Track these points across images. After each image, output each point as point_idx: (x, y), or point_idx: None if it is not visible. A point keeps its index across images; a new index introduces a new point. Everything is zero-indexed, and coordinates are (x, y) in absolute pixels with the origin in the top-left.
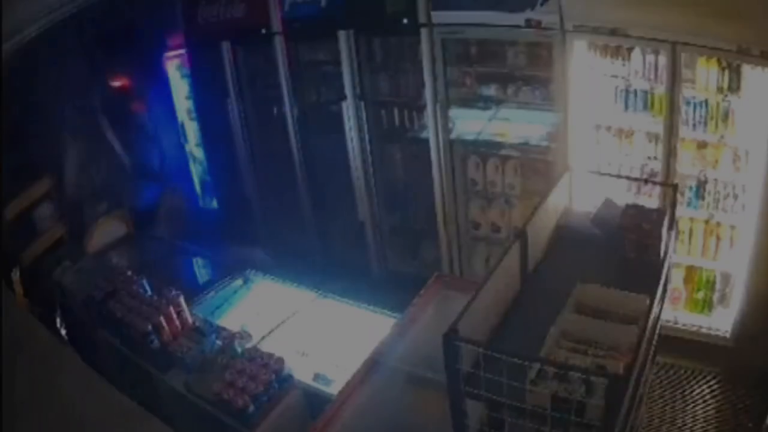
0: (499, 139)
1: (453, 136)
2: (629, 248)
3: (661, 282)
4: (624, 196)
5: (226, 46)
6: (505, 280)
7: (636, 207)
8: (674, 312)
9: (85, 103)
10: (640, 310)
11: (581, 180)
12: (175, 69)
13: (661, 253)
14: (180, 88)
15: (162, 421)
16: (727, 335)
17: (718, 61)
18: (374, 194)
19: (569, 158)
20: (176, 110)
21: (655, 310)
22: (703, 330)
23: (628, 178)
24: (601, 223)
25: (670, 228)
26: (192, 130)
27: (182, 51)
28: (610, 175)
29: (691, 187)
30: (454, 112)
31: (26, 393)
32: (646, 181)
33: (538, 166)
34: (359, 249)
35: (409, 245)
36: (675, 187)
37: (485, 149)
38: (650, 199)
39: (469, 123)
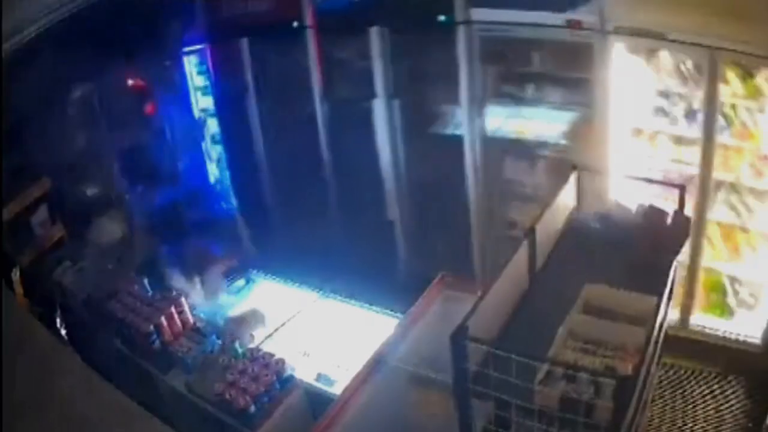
0: (533, 138)
1: (488, 134)
2: (635, 248)
3: (668, 283)
4: (650, 198)
5: (250, 40)
6: (514, 280)
7: (644, 207)
8: (697, 315)
9: None
10: (647, 310)
11: (614, 183)
12: (192, 65)
13: (667, 254)
14: (198, 85)
15: (162, 422)
16: (756, 341)
17: (741, 65)
18: (404, 193)
19: (605, 159)
20: (192, 108)
21: (662, 310)
22: (727, 335)
23: (637, 178)
24: (610, 224)
25: (676, 228)
26: (210, 127)
27: (201, 46)
28: (620, 176)
29: (718, 191)
30: (489, 111)
31: (26, 393)
32: (653, 182)
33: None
34: (387, 249)
35: (439, 245)
36: (683, 188)
37: (519, 148)
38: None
39: (503, 122)
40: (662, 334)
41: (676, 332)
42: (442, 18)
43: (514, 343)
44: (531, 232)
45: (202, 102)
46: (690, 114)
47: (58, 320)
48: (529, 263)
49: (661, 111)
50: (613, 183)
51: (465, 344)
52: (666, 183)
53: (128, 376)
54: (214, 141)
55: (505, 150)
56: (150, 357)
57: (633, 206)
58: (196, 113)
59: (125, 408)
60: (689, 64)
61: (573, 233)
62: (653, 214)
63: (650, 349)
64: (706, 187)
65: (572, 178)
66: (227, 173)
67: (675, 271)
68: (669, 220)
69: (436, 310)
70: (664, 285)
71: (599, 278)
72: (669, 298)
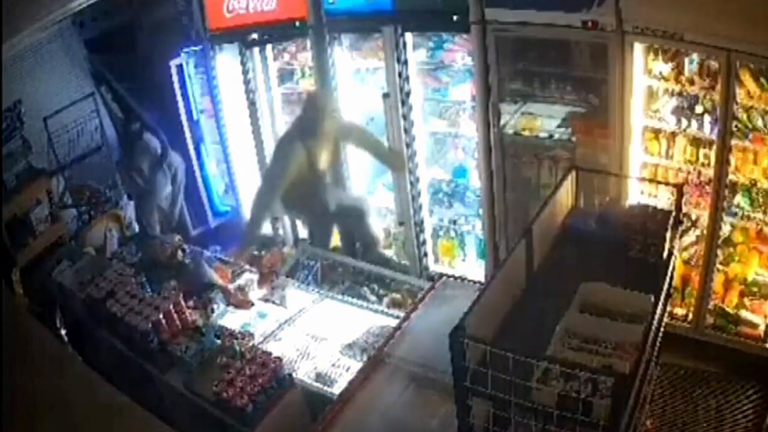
0: (548, 138)
1: (504, 132)
2: (633, 247)
3: (666, 281)
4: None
5: (251, 39)
6: (511, 279)
7: (642, 206)
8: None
9: None
10: (645, 309)
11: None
12: (191, 65)
13: (665, 253)
14: (196, 85)
15: (162, 421)
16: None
17: (759, 68)
18: (415, 194)
19: (622, 161)
20: (192, 109)
21: (660, 309)
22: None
23: (638, 178)
24: (607, 222)
25: (674, 228)
26: (209, 128)
27: (199, 47)
28: (616, 175)
29: (735, 193)
30: (503, 109)
31: (26, 393)
32: (650, 181)
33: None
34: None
35: (451, 247)
36: (681, 187)
37: (538, 150)
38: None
39: (518, 121)
40: (661, 332)
41: (676, 332)
42: (455, 17)
43: (512, 342)
44: (528, 231)
45: (201, 102)
46: (708, 115)
47: (58, 320)
48: (527, 262)
49: (679, 111)
50: (612, 183)
51: (463, 343)
52: (664, 183)
53: (127, 376)
54: (212, 141)
55: (524, 149)
56: (149, 356)
57: (630, 205)
58: (195, 114)
59: (124, 407)
60: (707, 65)
61: (571, 232)
62: (645, 213)
63: (648, 347)
64: (721, 189)
65: (570, 178)
66: (228, 174)
67: (673, 269)
68: (661, 219)
69: (436, 311)
70: (662, 283)
71: (597, 277)
72: (667, 296)
